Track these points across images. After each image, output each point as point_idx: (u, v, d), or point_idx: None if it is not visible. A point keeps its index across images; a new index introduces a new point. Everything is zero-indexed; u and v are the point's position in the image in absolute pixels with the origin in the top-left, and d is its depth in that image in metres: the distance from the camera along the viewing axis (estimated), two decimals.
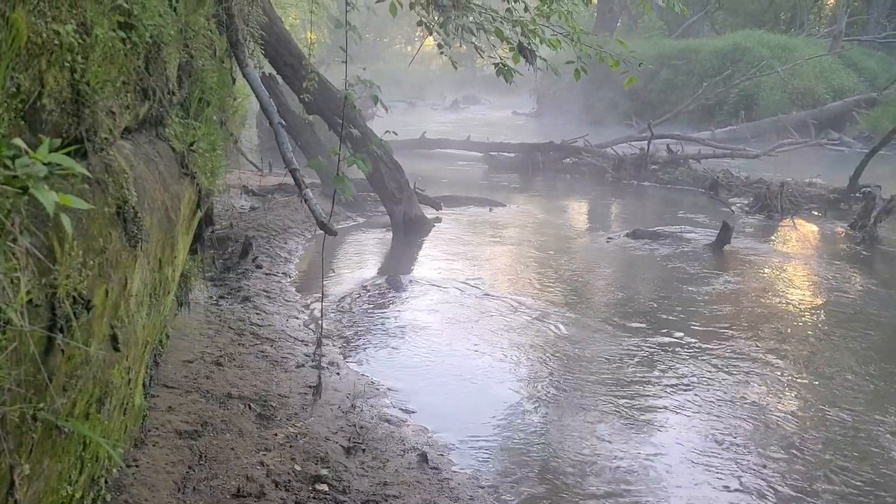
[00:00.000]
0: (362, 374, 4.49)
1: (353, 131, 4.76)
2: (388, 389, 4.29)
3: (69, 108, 1.64)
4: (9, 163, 1.23)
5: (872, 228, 8.52)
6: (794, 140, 15.88)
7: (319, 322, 4.08)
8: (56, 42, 1.52)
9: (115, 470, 2.23)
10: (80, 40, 1.64)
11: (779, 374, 4.68)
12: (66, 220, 1.29)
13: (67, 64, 1.59)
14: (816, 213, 10.16)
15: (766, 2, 28.14)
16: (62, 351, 1.47)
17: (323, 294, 4.18)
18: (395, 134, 4.14)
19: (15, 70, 1.39)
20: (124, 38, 2.01)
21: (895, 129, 10.23)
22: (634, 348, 5.08)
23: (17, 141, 1.24)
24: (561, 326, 5.51)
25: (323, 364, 4.34)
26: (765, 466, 3.57)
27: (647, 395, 4.35)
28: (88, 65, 1.69)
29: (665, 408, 4.20)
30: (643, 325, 5.55)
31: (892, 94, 18.86)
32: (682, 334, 5.35)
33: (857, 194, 9.79)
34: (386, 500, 3.04)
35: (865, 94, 19.80)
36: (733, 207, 10.58)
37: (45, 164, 1.24)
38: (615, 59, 5.40)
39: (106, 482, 2.10)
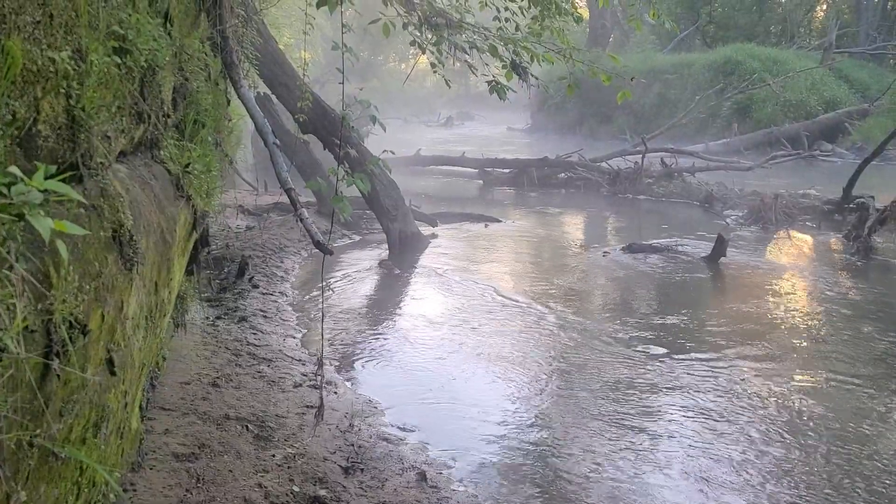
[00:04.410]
0: (360, 393, 4.47)
1: (351, 151, 4.78)
2: (386, 408, 4.28)
3: (65, 134, 1.64)
4: (4, 190, 1.23)
5: (867, 239, 8.55)
6: (788, 152, 15.98)
7: (320, 342, 4.07)
8: (51, 69, 1.53)
9: (112, 495, 2.21)
10: (76, 66, 1.65)
11: (777, 385, 4.68)
12: (62, 246, 1.29)
13: (63, 90, 1.60)
14: (811, 225, 10.20)
15: (756, 15, 28.44)
16: (58, 376, 1.47)
17: (323, 314, 4.17)
18: (393, 153, 4.16)
19: (10, 97, 1.39)
20: (119, 63, 2.03)
21: (887, 140, 10.30)
22: (633, 362, 5.07)
23: (13, 168, 1.25)
24: (559, 340, 5.51)
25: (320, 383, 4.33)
26: (767, 481, 3.56)
27: (648, 409, 4.34)
28: (84, 90, 1.70)
29: (665, 422, 4.19)
30: (642, 339, 5.54)
31: (884, 105, 19.02)
32: (679, 347, 5.35)
33: (851, 205, 9.83)
34: None
35: (857, 106, 19.99)
36: (728, 220, 10.62)
37: (40, 190, 1.25)
38: (608, 74, 5.44)
39: None
